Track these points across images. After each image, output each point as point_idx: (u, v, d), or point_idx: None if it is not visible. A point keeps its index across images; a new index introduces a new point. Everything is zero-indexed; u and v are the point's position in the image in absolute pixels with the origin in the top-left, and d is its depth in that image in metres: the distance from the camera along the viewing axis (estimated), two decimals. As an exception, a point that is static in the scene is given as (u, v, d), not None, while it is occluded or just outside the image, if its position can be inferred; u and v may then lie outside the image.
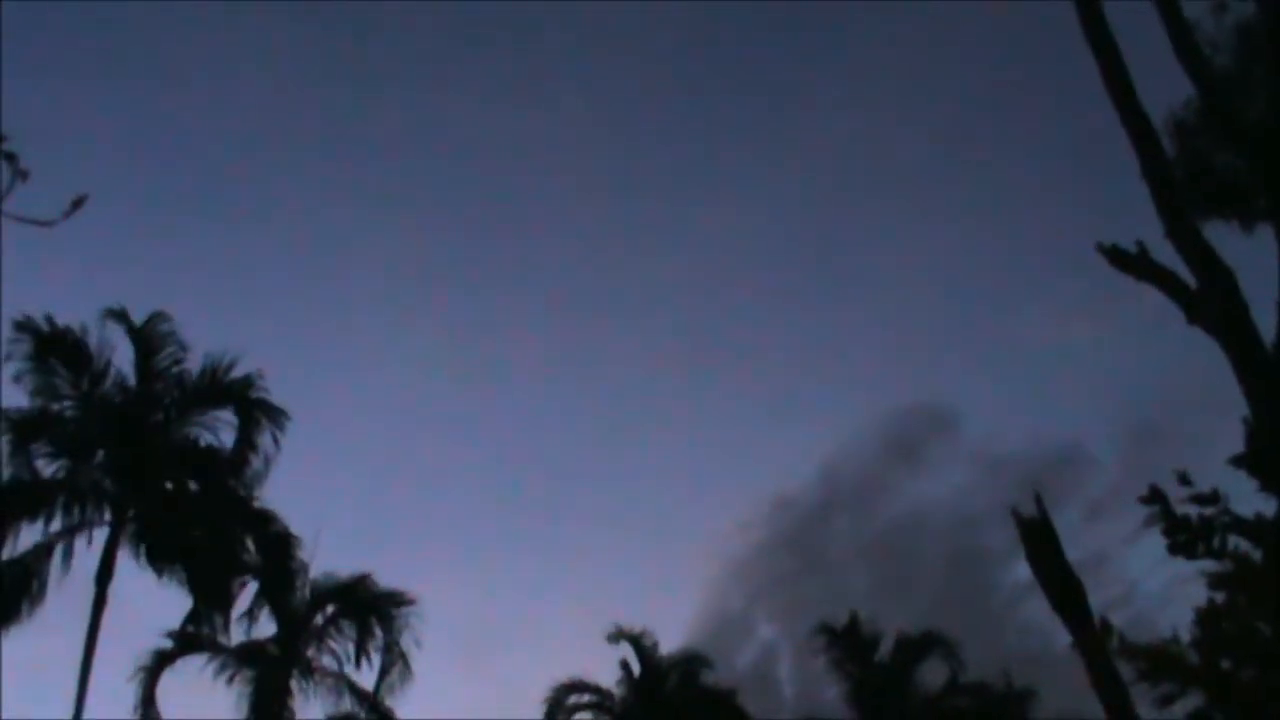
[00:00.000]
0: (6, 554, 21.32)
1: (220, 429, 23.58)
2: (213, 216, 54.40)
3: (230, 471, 23.28)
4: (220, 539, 22.96)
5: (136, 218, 49.47)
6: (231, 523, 23.25)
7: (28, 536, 21.64)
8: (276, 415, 23.64)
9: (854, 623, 33.32)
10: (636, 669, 32.13)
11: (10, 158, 4.94)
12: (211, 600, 23.01)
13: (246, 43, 52.86)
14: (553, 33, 56.61)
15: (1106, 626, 7.05)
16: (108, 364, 22.87)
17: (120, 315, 23.05)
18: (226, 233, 54.37)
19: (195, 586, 22.54)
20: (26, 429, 22.16)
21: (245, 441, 23.36)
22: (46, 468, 22.29)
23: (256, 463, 23.40)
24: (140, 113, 53.65)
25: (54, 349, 22.52)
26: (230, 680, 24.64)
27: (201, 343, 23.75)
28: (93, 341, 22.84)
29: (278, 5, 52.85)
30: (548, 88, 58.00)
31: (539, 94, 59.01)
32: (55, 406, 22.60)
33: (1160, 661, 6.50)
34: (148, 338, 23.20)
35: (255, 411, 23.51)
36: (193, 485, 23.36)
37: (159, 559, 22.14)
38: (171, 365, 23.30)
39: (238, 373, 23.59)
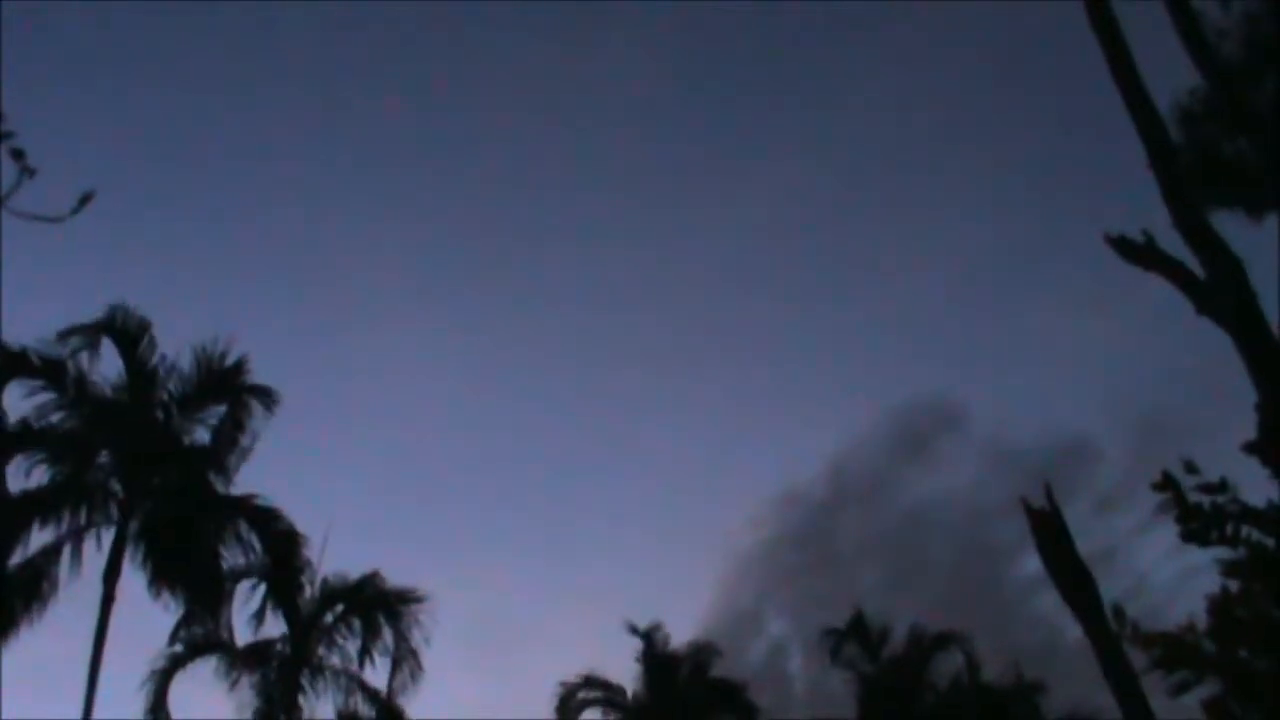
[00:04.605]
0: (13, 558, 21.31)
1: (218, 423, 23.42)
2: (219, 217, 54.51)
3: (231, 467, 23.27)
4: (222, 538, 22.90)
5: (137, 216, 49.60)
6: (235, 520, 23.19)
7: (36, 539, 21.68)
8: (266, 397, 23.53)
9: (859, 620, 33.04)
10: (648, 665, 32.09)
11: (18, 154, 4.92)
12: (205, 601, 22.86)
13: (249, 39, 52.86)
14: (549, 29, 56.59)
15: (1120, 615, 7.02)
16: (81, 371, 22.53)
17: (86, 328, 22.56)
18: (234, 233, 54.48)
19: (190, 588, 22.39)
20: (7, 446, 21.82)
21: (239, 429, 23.28)
22: (46, 475, 22.00)
23: (247, 442, 23.33)
24: (139, 111, 53.69)
25: (19, 371, 22.22)
26: (236, 681, 24.74)
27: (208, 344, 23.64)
28: (61, 351, 22.42)
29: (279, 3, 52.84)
30: (550, 85, 57.99)
31: (541, 91, 59.01)
32: (45, 420, 22.25)
33: (1175, 650, 6.46)
34: (121, 334, 22.90)
35: (247, 397, 23.45)
36: (195, 482, 23.24)
37: (160, 566, 22.01)
38: (150, 353, 22.97)
39: (228, 362, 23.44)
